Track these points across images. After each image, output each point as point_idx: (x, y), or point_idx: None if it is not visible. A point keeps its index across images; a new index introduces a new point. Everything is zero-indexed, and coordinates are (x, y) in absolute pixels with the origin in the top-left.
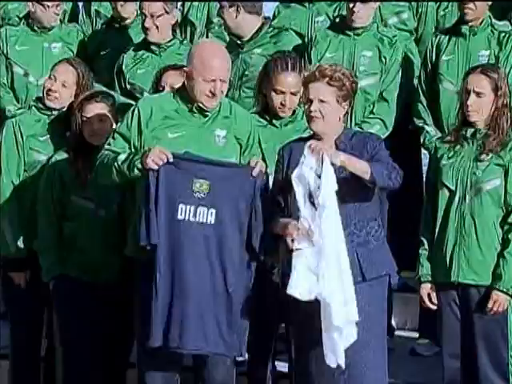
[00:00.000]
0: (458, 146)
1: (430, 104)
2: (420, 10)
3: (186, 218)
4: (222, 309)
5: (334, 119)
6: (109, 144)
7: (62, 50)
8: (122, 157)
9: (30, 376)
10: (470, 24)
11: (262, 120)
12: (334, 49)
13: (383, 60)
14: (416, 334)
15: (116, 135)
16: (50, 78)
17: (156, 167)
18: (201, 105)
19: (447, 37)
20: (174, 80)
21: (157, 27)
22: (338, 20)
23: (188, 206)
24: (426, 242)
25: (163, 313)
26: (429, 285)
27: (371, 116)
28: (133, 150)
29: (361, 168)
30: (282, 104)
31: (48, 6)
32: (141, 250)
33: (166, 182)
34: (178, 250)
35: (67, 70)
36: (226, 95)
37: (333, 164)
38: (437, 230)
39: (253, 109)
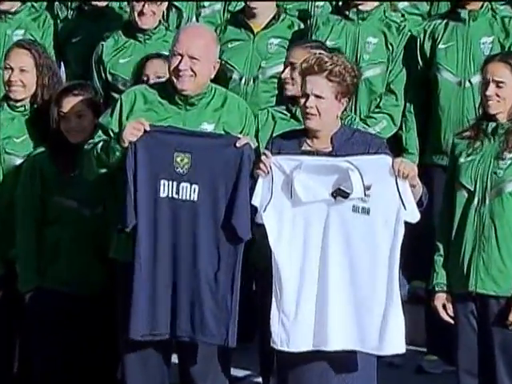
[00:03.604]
0: (478, 143)
1: (425, 98)
2: None
3: (169, 195)
4: (209, 295)
5: (331, 116)
6: (92, 138)
7: (23, 38)
8: (100, 144)
9: None
10: (468, 8)
11: (285, 112)
12: (336, 35)
13: (390, 47)
14: (424, 350)
15: (98, 129)
16: (5, 68)
17: (133, 138)
18: (176, 86)
19: (443, 22)
20: (158, 69)
21: (153, 13)
22: (340, 3)
23: (170, 182)
24: (441, 247)
25: (148, 301)
26: (444, 295)
27: (377, 111)
28: None
29: (420, 188)
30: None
31: None
32: (123, 251)
33: (145, 157)
34: (162, 231)
35: (20, 54)
36: (236, 88)
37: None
38: (453, 234)
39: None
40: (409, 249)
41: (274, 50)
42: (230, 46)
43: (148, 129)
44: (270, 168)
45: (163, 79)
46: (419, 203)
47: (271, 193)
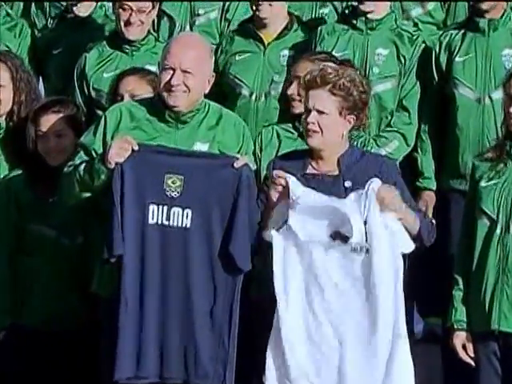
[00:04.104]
0: (501, 165)
1: (440, 116)
2: None
3: (159, 221)
4: (204, 332)
5: (335, 134)
6: (72, 160)
7: None
8: (82, 166)
9: None
10: (488, 17)
11: (291, 131)
12: (342, 46)
13: (402, 60)
14: None
15: (79, 149)
16: None
17: (120, 159)
18: (167, 103)
19: (460, 33)
20: (133, 87)
21: (141, 23)
22: (347, 11)
23: (160, 207)
24: (460, 281)
25: (134, 339)
26: (463, 333)
27: (388, 129)
28: None
29: (412, 221)
30: None
31: None
32: (107, 285)
33: (133, 179)
34: (150, 262)
35: None
36: (246, 105)
37: None
38: (474, 266)
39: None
40: (424, 282)
41: (287, 63)
42: (237, 58)
43: (136, 148)
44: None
45: (148, 95)
46: (419, 238)
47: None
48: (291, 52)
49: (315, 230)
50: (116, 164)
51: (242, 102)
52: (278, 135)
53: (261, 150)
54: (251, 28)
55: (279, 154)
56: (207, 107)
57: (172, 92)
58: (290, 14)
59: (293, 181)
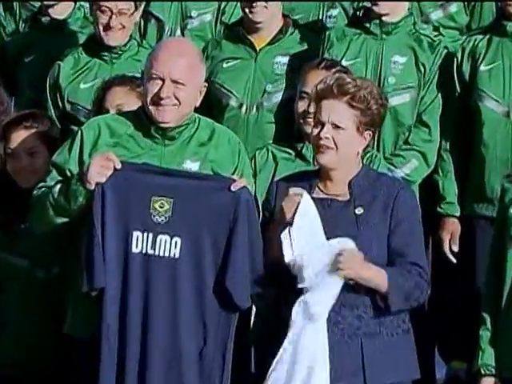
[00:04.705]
0: None
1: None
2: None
3: (144, 250)
4: (193, 376)
5: (351, 153)
6: (44, 181)
7: None
8: (57, 187)
9: None
10: None
11: (289, 151)
12: (353, 54)
13: (421, 69)
14: None
15: (52, 169)
16: None
17: (102, 179)
18: (155, 118)
19: (486, 38)
20: (122, 102)
21: (122, 27)
22: (358, 13)
23: (145, 234)
24: (488, 320)
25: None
26: (492, 379)
27: (406, 147)
28: None
29: (374, 279)
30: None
31: None
32: (82, 325)
33: (116, 202)
34: (134, 296)
35: None
36: (235, 119)
37: None
38: (503, 303)
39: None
40: (446, 322)
41: (282, 71)
42: (225, 65)
43: (119, 166)
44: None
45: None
46: (382, 300)
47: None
48: (286, 59)
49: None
50: (97, 184)
51: (229, 114)
52: (274, 157)
53: (255, 175)
54: (241, 31)
55: (280, 176)
56: (197, 121)
57: (160, 106)
58: (284, 16)
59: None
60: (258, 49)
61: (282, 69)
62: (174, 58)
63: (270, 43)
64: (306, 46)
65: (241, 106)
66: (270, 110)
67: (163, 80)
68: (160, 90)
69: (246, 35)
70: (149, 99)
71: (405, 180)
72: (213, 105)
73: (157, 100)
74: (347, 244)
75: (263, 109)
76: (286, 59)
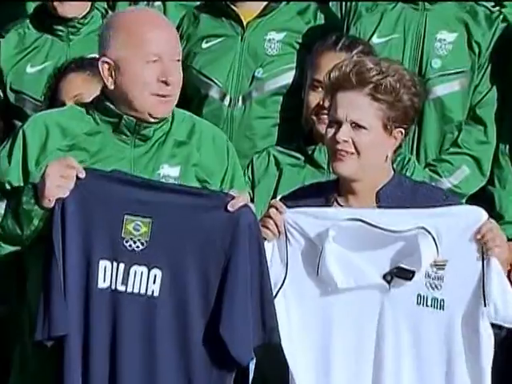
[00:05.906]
0: None
1: None
2: None
3: (113, 285)
4: None
5: (378, 158)
6: None
7: None
8: (1, 207)
9: None
10: None
11: (296, 155)
12: (387, 30)
13: (476, 49)
14: None
15: None
16: None
17: (62, 193)
18: (151, 111)
19: None
20: (81, 91)
21: None
22: None
23: (115, 265)
24: None
25: None
26: None
27: (455, 150)
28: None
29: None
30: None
31: None
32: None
33: (79, 222)
34: (99, 345)
35: None
36: (216, 113)
37: None
38: None
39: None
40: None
41: (276, 51)
42: (204, 45)
43: (82, 176)
44: (284, 229)
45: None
46: None
47: (286, 268)
48: (281, 35)
49: (362, 268)
50: (57, 201)
51: (209, 108)
52: (277, 162)
53: (253, 187)
54: (223, 3)
55: (288, 191)
56: (171, 115)
57: (164, 97)
58: None
59: (300, 214)
60: (245, 23)
61: (276, 48)
62: (166, 35)
63: (260, 15)
64: (311, 19)
65: (223, 97)
66: (260, 102)
67: (160, 60)
68: (164, 72)
69: (231, 6)
70: (150, 88)
71: (452, 192)
72: (189, 97)
73: (157, 89)
74: None
75: (252, 101)
76: (281, 35)
